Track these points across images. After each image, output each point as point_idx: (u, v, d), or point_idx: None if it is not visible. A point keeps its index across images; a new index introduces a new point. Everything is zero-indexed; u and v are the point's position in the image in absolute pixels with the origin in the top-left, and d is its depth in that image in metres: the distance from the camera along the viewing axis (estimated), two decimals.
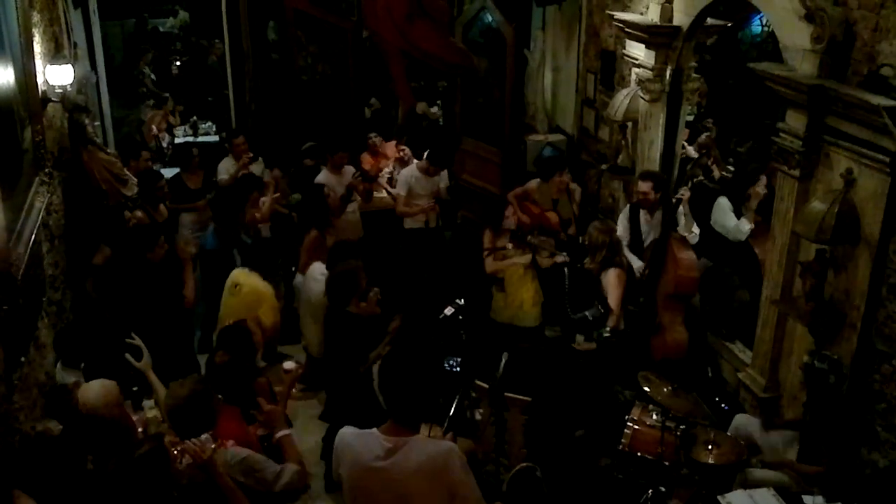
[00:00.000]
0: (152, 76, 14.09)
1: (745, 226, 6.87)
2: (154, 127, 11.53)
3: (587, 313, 6.61)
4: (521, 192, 8.06)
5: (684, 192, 6.88)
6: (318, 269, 6.45)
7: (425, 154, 8.76)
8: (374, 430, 3.44)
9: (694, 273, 6.69)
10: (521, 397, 5.79)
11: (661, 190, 6.95)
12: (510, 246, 7.06)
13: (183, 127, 11.93)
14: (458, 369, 6.37)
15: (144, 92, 13.76)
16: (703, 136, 9.20)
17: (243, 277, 6.55)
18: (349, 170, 8.66)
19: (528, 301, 7.09)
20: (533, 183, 8.08)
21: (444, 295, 6.61)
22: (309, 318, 6.63)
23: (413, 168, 8.74)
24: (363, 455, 3.39)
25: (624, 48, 8.04)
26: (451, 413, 5.08)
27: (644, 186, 6.98)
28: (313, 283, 6.41)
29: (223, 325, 6.10)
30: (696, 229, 6.88)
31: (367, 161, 9.86)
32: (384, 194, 9.14)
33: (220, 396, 4.27)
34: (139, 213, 7.35)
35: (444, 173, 8.64)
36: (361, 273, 5.83)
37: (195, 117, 12.04)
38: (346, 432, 3.55)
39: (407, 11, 9.03)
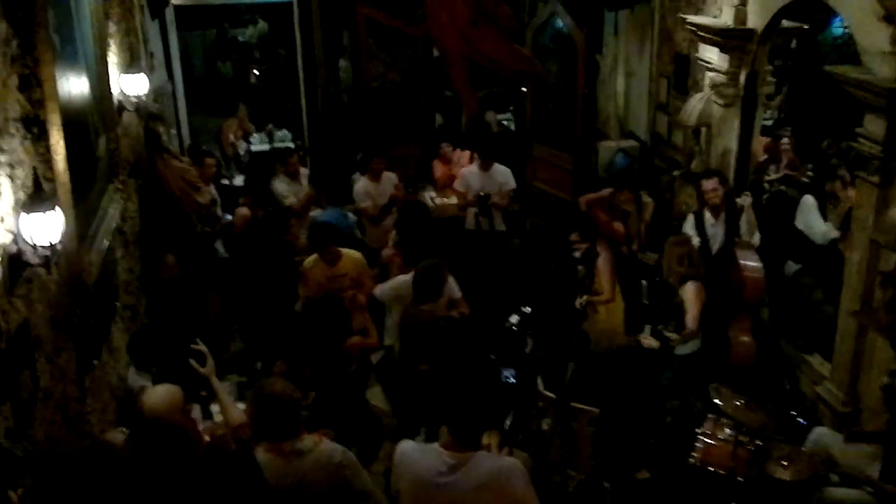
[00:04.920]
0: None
1: (831, 233, 6.67)
2: (231, 135, 11.73)
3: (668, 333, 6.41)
4: (594, 197, 7.96)
5: (745, 199, 6.68)
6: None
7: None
8: (435, 444, 3.43)
9: (760, 281, 6.49)
10: (588, 408, 5.70)
11: (726, 184, 6.82)
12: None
13: (259, 134, 12.10)
14: (514, 381, 6.29)
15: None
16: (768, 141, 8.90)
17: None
18: (389, 177, 8.45)
19: (618, 318, 6.91)
20: (606, 191, 7.98)
21: (511, 303, 6.55)
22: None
23: (473, 166, 8.70)
24: (425, 471, 3.38)
25: (697, 52, 7.88)
26: (508, 427, 5.02)
27: (709, 184, 6.84)
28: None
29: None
30: (756, 238, 6.68)
31: (438, 169, 9.87)
32: (453, 200, 9.08)
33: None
34: (245, 211, 7.45)
35: (508, 175, 8.51)
36: (445, 271, 5.80)
37: (271, 125, 12.20)
38: (407, 447, 3.54)
39: (471, 17, 9.02)
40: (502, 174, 8.46)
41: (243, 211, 7.57)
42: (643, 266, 7.36)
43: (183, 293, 6.69)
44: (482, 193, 8.14)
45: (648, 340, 6.27)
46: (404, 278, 6.18)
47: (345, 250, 6.57)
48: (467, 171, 8.65)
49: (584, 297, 6.72)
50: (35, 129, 4.17)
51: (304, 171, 8.85)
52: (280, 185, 8.34)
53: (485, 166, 8.40)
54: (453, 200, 9.19)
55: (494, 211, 8.30)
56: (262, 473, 3.39)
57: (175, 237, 7.10)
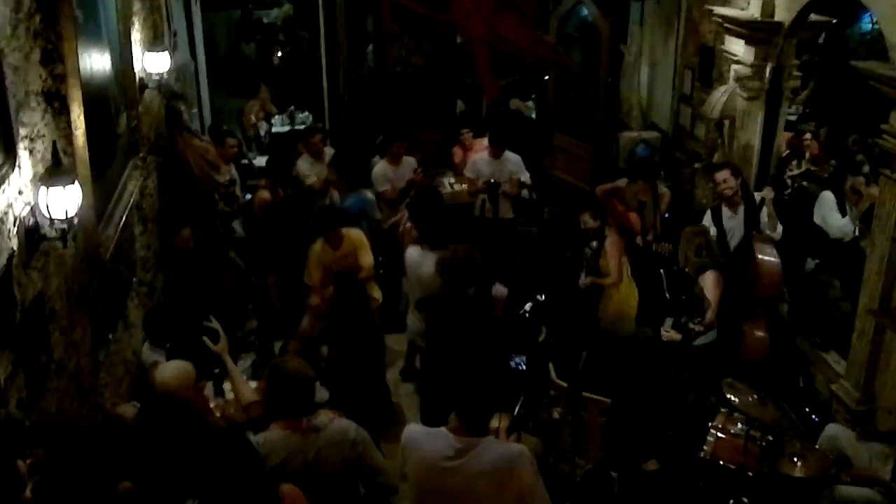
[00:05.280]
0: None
1: (848, 227, 6.59)
2: (253, 116, 11.76)
3: (692, 326, 6.35)
4: (610, 188, 7.90)
5: (767, 193, 6.61)
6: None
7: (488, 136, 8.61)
8: (443, 428, 3.41)
9: (776, 276, 6.44)
10: (600, 398, 5.67)
11: (739, 176, 6.75)
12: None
13: (280, 116, 12.12)
14: (524, 367, 6.28)
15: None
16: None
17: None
18: (408, 161, 8.37)
19: (630, 302, 6.84)
20: (622, 181, 7.91)
21: (527, 291, 6.53)
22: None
23: (483, 153, 8.63)
24: (432, 454, 3.37)
25: (723, 44, 7.82)
26: (516, 413, 5.01)
27: (721, 176, 6.74)
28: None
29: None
30: (778, 232, 6.63)
31: (458, 155, 9.84)
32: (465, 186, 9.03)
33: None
34: (266, 194, 7.46)
35: (519, 163, 8.39)
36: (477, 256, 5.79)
37: (293, 107, 12.21)
38: (415, 429, 3.54)
39: (495, 4, 8.92)
40: (513, 162, 8.36)
41: (263, 195, 7.55)
42: (658, 257, 7.31)
43: (199, 270, 6.72)
44: (492, 181, 8.08)
45: (670, 334, 6.23)
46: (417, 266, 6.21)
47: (345, 231, 6.63)
48: (478, 157, 8.54)
49: (589, 279, 6.69)
50: (56, 104, 4.19)
51: (328, 151, 8.79)
52: (303, 165, 8.31)
53: (496, 153, 8.30)
54: (464, 186, 9.15)
55: (502, 199, 8.14)
56: (255, 451, 3.37)
57: (194, 215, 7.12)
